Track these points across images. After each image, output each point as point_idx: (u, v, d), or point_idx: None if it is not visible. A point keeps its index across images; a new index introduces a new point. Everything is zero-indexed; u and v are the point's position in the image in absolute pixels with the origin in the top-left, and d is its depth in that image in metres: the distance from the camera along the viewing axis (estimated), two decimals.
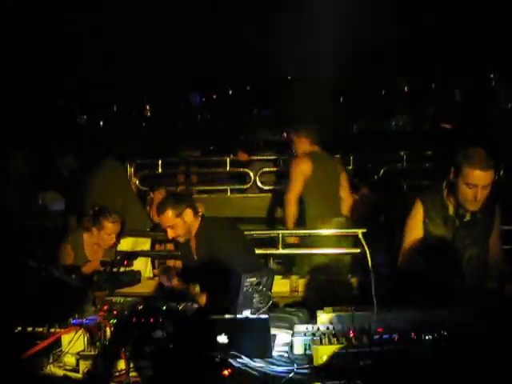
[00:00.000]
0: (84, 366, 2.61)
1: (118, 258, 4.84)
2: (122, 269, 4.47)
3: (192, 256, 4.31)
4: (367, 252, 3.10)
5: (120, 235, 5.05)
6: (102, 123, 11.29)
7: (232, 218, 5.69)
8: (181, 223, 4.12)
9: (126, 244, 5.82)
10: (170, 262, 6.76)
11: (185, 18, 10.78)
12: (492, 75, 10.35)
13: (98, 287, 4.18)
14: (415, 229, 3.71)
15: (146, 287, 4.82)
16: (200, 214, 4.30)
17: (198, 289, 4.08)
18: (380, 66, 11.56)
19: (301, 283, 5.03)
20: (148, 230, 6.19)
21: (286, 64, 12.08)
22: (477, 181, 3.42)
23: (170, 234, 4.18)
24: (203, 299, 3.86)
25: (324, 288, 4.81)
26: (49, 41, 9.25)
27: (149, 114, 13.28)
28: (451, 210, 3.64)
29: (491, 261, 3.76)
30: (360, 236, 3.12)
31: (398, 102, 12.13)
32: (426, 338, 2.51)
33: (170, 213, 4.12)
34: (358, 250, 5.10)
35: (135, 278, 4.52)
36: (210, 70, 12.28)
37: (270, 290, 3.18)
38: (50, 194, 7.28)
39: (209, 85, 14.22)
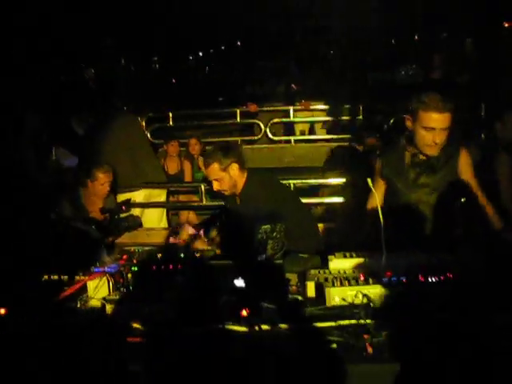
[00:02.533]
0: (110, 309, 2.76)
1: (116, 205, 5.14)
2: (122, 215, 4.69)
3: (237, 213, 4.29)
4: (376, 199, 3.22)
5: (113, 184, 5.40)
6: (111, 78, 11.30)
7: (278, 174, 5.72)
8: (227, 177, 4.15)
9: (140, 196, 5.97)
10: (184, 214, 6.94)
11: None
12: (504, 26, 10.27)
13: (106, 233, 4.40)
14: (377, 186, 3.74)
15: (161, 237, 4.99)
16: (245, 169, 4.29)
17: (214, 233, 4.22)
18: (391, 15, 11.47)
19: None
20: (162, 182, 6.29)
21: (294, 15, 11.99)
22: (433, 124, 3.44)
23: (216, 186, 4.22)
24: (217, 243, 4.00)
25: (335, 235, 4.95)
26: None
27: (157, 67, 13.29)
28: (408, 159, 3.68)
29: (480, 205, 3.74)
30: (370, 184, 3.21)
31: (408, 51, 12.06)
32: (433, 279, 2.66)
33: (216, 166, 4.14)
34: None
35: (136, 222, 4.73)
36: (215, 23, 12.20)
37: (283, 236, 3.28)
38: (61, 150, 7.41)
39: (216, 37, 14.15)
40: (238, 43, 14.26)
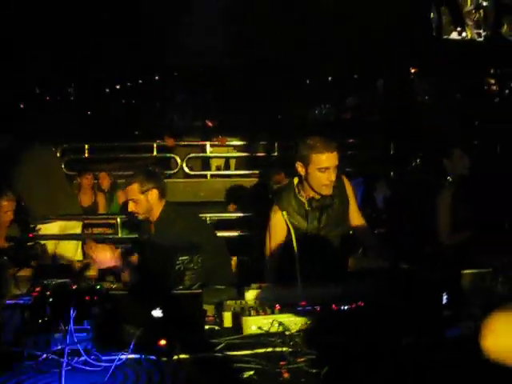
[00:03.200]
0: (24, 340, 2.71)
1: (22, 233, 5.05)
2: (29, 244, 4.59)
3: (150, 242, 4.29)
4: (291, 230, 3.33)
5: (17, 212, 5.28)
6: (26, 106, 11.10)
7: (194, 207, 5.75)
8: (144, 201, 4.11)
9: (55, 227, 5.87)
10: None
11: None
12: (411, 69, 10.81)
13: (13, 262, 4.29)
14: (278, 235, 3.83)
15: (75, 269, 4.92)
16: (164, 199, 4.26)
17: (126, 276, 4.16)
18: (304, 56, 11.82)
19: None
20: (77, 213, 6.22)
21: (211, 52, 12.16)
22: (327, 163, 3.61)
23: (131, 207, 4.17)
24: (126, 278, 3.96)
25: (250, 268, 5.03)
26: None
27: (74, 97, 13.15)
28: (306, 204, 3.79)
29: (362, 237, 4.07)
30: (285, 216, 3.33)
31: (322, 91, 12.46)
32: (345, 308, 2.78)
33: (135, 186, 4.11)
34: None
35: (44, 250, 4.64)
36: (133, 56, 12.21)
37: (202, 267, 3.33)
38: None
39: (133, 71, 14.14)
40: (156, 77, 14.31)
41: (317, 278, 3.23)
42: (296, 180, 3.89)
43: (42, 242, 5.62)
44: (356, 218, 4.03)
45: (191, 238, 3.90)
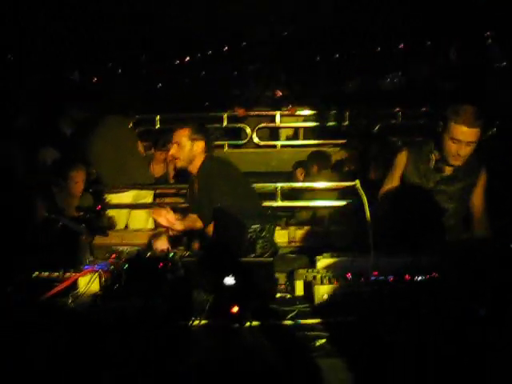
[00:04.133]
0: (102, 305, 2.79)
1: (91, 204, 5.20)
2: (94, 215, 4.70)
3: (195, 196, 4.32)
4: (365, 202, 3.26)
5: (89, 183, 5.55)
6: (99, 79, 11.31)
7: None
8: (188, 147, 4.14)
9: (128, 197, 6.00)
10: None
11: None
12: (487, 34, 10.41)
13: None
14: (395, 175, 3.88)
15: (148, 238, 5.03)
16: (208, 154, 4.26)
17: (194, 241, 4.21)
18: (374, 24, 11.57)
19: (299, 234, 5.22)
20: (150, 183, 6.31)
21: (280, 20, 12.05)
22: (461, 136, 3.53)
23: (173, 150, 4.19)
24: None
25: (321, 238, 5.01)
26: None
27: (145, 69, 13.28)
28: (432, 164, 3.77)
29: (475, 221, 3.87)
30: (358, 186, 3.26)
31: (393, 59, 12.18)
32: (419, 279, 2.72)
33: (186, 132, 4.15)
34: (351, 201, 5.35)
35: (110, 223, 4.76)
36: (203, 27, 12.23)
37: (273, 236, 3.34)
38: (49, 150, 7.38)
39: (203, 42, 14.17)
40: (226, 48, 14.30)
41: (394, 246, 3.16)
42: (433, 141, 3.84)
43: (114, 210, 5.83)
44: (477, 206, 3.87)
45: (231, 187, 3.97)
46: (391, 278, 2.74)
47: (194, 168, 4.24)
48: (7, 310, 2.74)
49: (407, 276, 2.74)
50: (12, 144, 6.86)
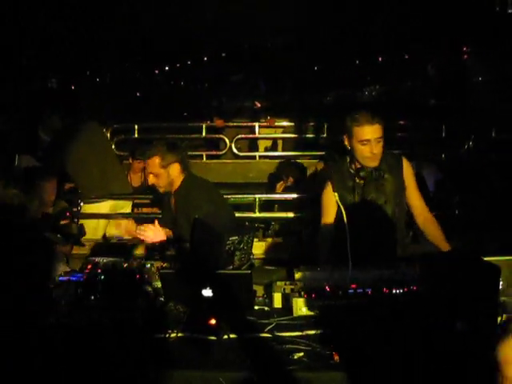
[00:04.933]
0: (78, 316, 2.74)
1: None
2: (63, 223, 4.65)
3: (171, 213, 4.31)
4: (344, 215, 3.26)
5: (62, 191, 5.46)
6: (77, 87, 11.24)
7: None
8: (165, 175, 4.09)
9: (105, 206, 5.94)
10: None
11: None
12: (465, 49, 10.54)
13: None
14: (329, 211, 3.83)
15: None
16: (186, 171, 4.23)
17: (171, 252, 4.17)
18: (355, 36, 11.67)
19: (276, 246, 5.20)
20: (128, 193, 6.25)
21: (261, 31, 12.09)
22: (368, 136, 3.60)
23: (151, 180, 4.16)
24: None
25: (298, 250, 5.00)
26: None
27: (124, 78, 13.25)
28: (355, 175, 3.78)
29: (424, 222, 3.86)
30: (337, 199, 3.27)
31: (372, 72, 12.29)
32: (397, 291, 2.72)
33: (156, 160, 4.07)
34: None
35: (79, 231, 4.68)
36: (184, 37, 12.23)
37: (251, 248, 3.33)
38: (26, 158, 7.30)
39: (183, 52, 14.17)
40: (205, 58, 14.31)
41: (367, 260, 3.16)
42: (347, 155, 3.87)
43: (93, 220, 5.76)
44: (414, 199, 3.88)
45: (204, 208, 3.93)
46: (369, 291, 2.74)
47: (175, 188, 4.23)
48: None
49: (385, 289, 2.74)
50: None
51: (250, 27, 11.15)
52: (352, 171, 3.81)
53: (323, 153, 7.83)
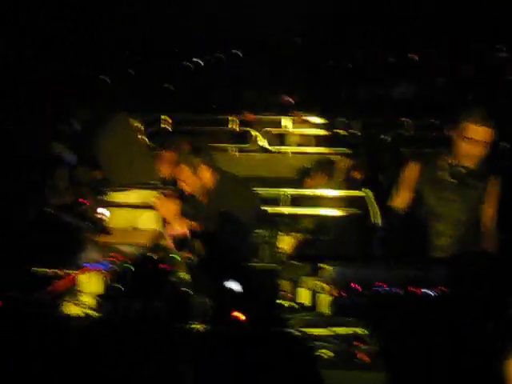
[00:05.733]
0: (102, 306, 2.74)
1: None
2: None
3: (201, 207, 4.30)
4: (376, 211, 3.21)
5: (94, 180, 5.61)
6: (110, 78, 11.29)
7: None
8: (196, 180, 4.12)
9: (135, 197, 5.94)
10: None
11: None
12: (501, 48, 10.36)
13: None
14: (406, 187, 3.79)
15: (153, 239, 4.98)
16: (213, 168, 4.25)
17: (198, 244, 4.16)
18: (389, 33, 11.56)
19: (303, 241, 5.15)
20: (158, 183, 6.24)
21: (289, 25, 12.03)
22: (473, 135, 3.52)
23: (186, 189, 4.20)
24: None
25: (325, 246, 4.95)
26: None
27: (155, 70, 13.28)
28: (446, 173, 3.72)
29: (485, 231, 3.78)
30: (370, 195, 3.22)
31: (406, 69, 12.14)
32: (426, 292, 2.67)
33: (185, 169, 4.13)
34: (359, 211, 5.28)
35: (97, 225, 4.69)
36: (215, 30, 12.23)
37: (278, 243, 3.30)
38: (59, 146, 7.36)
39: (214, 44, 14.18)
40: (237, 51, 14.30)
41: (400, 257, 3.11)
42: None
43: (121, 209, 5.79)
44: (488, 215, 3.78)
45: (244, 206, 3.92)
46: (397, 290, 2.69)
47: (206, 188, 4.25)
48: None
49: (413, 288, 2.69)
50: (22, 141, 6.86)
51: (279, 19, 11.11)
52: (445, 164, 3.73)
53: (353, 150, 7.81)
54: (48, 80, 8.86)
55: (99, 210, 5.23)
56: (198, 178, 4.13)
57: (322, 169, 6.69)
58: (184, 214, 4.35)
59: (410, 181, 3.79)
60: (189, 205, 4.42)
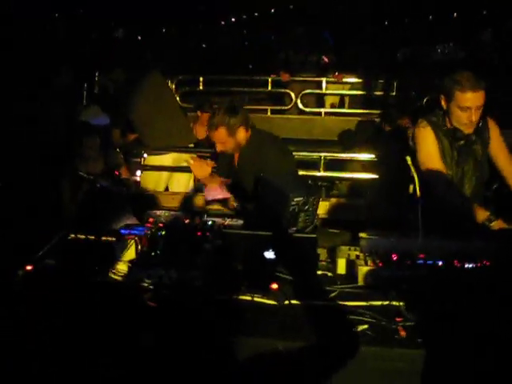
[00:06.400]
0: (136, 273, 2.71)
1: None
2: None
3: (233, 167, 4.24)
4: (416, 178, 3.08)
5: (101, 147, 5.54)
6: (143, 38, 11.20)
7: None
8: (232, 141, 4.03)
9: (168, 159, 5.91)
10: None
11: None
12: None
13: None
14: (432, 152, 3.65)
15: (186, 201, 4.96)
16: (250, 129, 4.13)
17: (233, 203, 4.11)
18: None
19: (340, 206, 5.07)
20: (192, 145, 6.19)
21: None
22: (469, 103, 3.44)
23: (220, 148, 4.10)
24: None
25: (363, 212, 4.86)
26: None
27: (190, 30, 13.15)
28: (449, 135, 3.62)
29: (506, 174, 3.68)
30: (409, 162, 3.09)
31: (446, 29, 11.77)
32: (470, 266, 2.57)
33: (222, 131, 4.00)
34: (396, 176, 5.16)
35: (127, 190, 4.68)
36: None
37: (316, 210, 3.21)
38: (93, 108, 7.33)
39: (249, 3, 13.97)
40: (272, 10, 14.06)
41: (440, 228, 3.00)
42: (441, 115, 3.69)
43: (154, 172, 5.78)
44: (501, 155, 3.68)
45: (274, 163, 3.87)
46: (440, 263, 2.59)
47: (240, 147, 4.15)
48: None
49: (457, 262, 2.59)
50: (54, 102, 6.85)
51: None
52: (446, 129, 3.64)
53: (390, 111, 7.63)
54: (81, 40, 8.81)
55: (133, 173, 5.24)
56: (234, 139, 4.04)
57: (364, 131, 6.52)
58: (219, 174, 4.32)
59: (434, 146, 3.65)
60: (224, 166, 4.37)
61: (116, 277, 2.69)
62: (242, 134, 4.07)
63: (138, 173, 5.68)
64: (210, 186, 4.22)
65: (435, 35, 11.38)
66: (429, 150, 3.65)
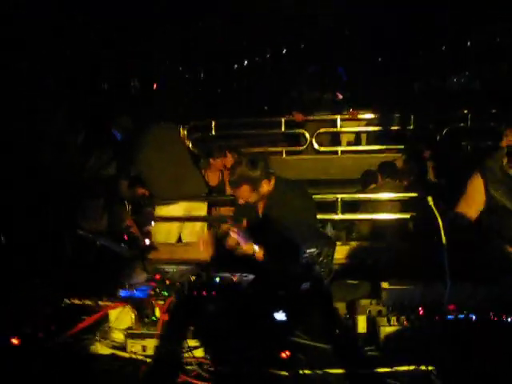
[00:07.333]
0: (131, 345, 2.45)
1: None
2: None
3: (256, 215, 4.03)
4: (438, 218, 2.79)
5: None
6: (155, 86, 11.15)
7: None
8: (255, 195, 3.83)
9: (180, 209, 5.69)
10: (225, 227, 6.62)
11: None
12: None
13: None
14: (472, 201, 3.44)
15: (200, 252, 4.71)
16: (272, 177, 3.94)
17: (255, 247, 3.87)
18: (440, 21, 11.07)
19: (359, 250, 4.79)
20: (204, 194, 5.98)
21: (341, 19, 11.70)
22: None
23: (242, 202, 3.92)
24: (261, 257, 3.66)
25: (385, 256, 4.56)
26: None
27: (201, 75, 13.12)
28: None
29: None
30: (431, 203, 2.80)
31: (461, 59, 11.60)
32: (509, 319, 2.25)
33: (246, 188, 3.82)
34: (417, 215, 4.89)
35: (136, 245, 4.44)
36: (261, 31, 12.01)
37: (332, 261, 2.94)
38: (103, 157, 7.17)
39: (261, 45, 13.97)
40: (284, 51, 14.02)
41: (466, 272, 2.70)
42: (504, 150, 3.46)
43: (165, 223, 5.56)
44: None
45: (307, 217, 3.61)
46: (473, 318, 2.28)
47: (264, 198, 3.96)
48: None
49: (493, 315, 2.28)
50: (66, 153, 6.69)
51: (328, 16, 10.80)
52: (508, 170, 3.39)
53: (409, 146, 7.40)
54: (90, 85, 8.74)
55: (143, 226, 5.02)
56: (258, 193, 3.83)
57: (387, 172, 6.24)
58: (236, 220, 4.14)
59: (478, 194, 3.42)
60: (243, 211, 4.15)
61: (109, 349, 2.43)
62: (265, 187, 3.86)
63: (152, 223, 5.48)
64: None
65: (450, 65, 11.21)
66: (472, 195, 3.47)
